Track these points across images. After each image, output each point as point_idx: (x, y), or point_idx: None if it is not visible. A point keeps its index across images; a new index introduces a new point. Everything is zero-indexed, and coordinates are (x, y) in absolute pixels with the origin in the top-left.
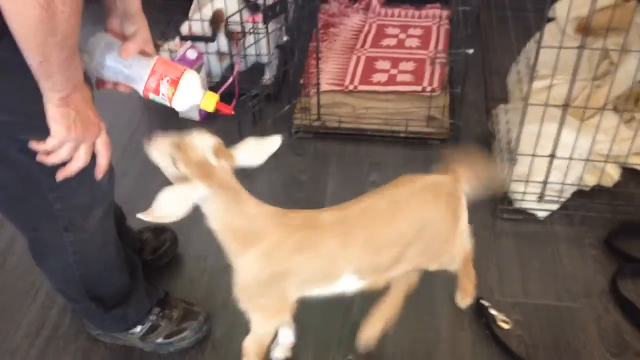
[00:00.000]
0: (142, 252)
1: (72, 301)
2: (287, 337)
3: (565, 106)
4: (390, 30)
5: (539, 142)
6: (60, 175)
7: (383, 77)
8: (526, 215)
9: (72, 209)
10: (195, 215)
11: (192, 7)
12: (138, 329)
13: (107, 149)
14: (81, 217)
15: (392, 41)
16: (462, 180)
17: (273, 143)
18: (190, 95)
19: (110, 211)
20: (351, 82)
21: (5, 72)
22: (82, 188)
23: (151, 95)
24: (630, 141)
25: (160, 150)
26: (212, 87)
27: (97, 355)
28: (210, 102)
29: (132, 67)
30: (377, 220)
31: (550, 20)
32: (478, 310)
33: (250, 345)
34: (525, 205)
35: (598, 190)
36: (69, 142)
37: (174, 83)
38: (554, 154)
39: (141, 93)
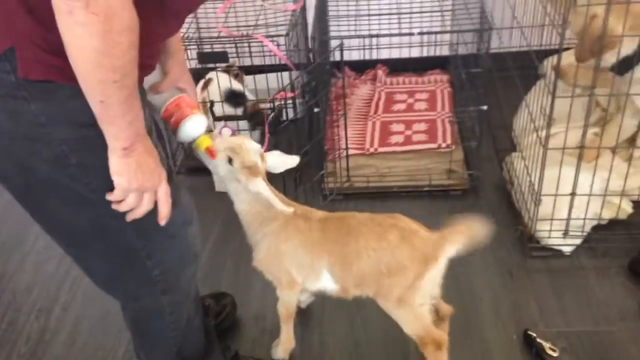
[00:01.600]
0: (206, 317)
1: None
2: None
3: (581, 147)
4: (398, 97)
5: (554, 184)
6: (129, 219)
7: (400, 138)
8: (554, 252)
9: (167, 271)
10: (250, 279)
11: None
12: None
13: (167, 198)
14: (175, 279)
15: (402, 106)
16: (449, 240)
17: (293, 160)
18: (188, 135)
19: (196, 270)
20: (371, 145)
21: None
22: (174, 251)
23: (164, 121)
24: None
25: (220, 150)
26: None
27: None
28: (203, 142)
29: (155, 98)
30: (346, 229)
31: (540, 76)
32: (526, 340)
33: (280, 308)
34: (551, 242)
35: (615, 223)
36: (131, 192)
37: (176, 123)
38: (575, 191)
39: (157, 118)
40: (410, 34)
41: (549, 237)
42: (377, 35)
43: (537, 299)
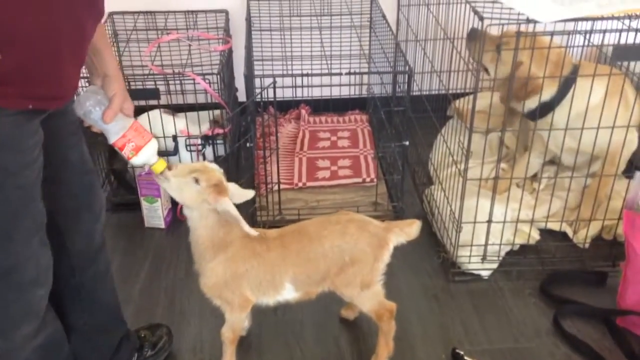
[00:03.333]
0: (142, 349)
1: None
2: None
3: (496, 178)
4: (322, 135)
5: (472, 213)
6: None
7: (326, 173)
8: (474, 276)
9: (1, 320)
10: (185, 312)
11: None
12: None
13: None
14: (9, 329)
15: (326, 143)
16: (393, 230)
17: (249, 193)
18: (145, 159)
19: (38, 329)
20: (299, 180)
21: None
22: (13, 306)
23: (116, 147)
24: (547, 208)
25: (181, 173)
26: None
27: None
28: (159, 167)
29: (109, 125)
30: (307, 238)
31: (449, 117)
32: (454, 359)
33: (226, 332)
34: (471, 267)
35: (525, 249)
36: None
37: (137, 149)
38: (491, 219)
39: (110, 142)
40: (339, 74)
41: (469, 262)
42: (308, 75)
43: (462, 320)
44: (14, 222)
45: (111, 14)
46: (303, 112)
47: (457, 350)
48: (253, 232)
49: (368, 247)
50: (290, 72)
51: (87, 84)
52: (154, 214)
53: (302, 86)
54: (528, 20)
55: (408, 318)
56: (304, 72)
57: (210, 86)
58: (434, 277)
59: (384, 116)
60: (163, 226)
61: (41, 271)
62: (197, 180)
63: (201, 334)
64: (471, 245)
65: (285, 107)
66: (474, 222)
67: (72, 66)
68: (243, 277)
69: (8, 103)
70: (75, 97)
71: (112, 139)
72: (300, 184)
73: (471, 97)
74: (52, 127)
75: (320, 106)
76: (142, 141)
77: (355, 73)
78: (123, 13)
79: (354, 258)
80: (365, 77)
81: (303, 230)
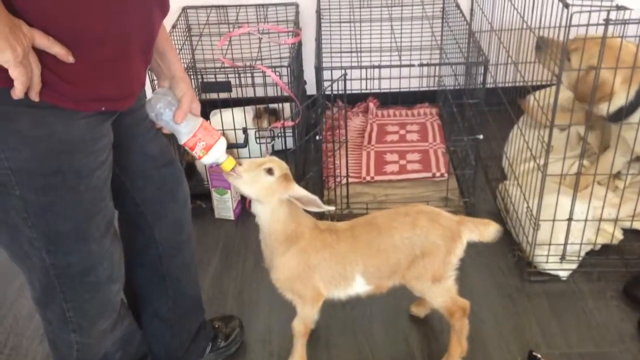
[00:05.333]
0: (216, 339)
1: None
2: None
3: (578, 174)
4: (390, 128)
5: (551, 210)
6: (37, 89)
7: (394, 167)
8: (551, 277)
9: (81, 317)
10: (255, 304)
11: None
12: None
13: (47, 39)
14: (88, 325)
15: (395, 137)
16: (467, 225)
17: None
18: (216, 158)
19: (115, 322)
20: (367, 173)
21: None
22: (92, 302)
23: (186, 148)
24: (633, 207)
25: (251, 167)
26: None
27: None
28: (228, 165)
29: (180, 126)
30: (376, 229)
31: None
32: None
33: (297, 325)
34: (549, 266)
35: (607, 249)
36: (18, 57)
37: (207, 148)
38: (572, 217)
39: (180, 143)
40: (411, 65)
41: (546, 262)
42: (379, 67)
43: (538, 321)
44: (87, 223)
45: (185, 8)
46: (371, 105)
47: (534, 353)
48: (329, 207)
49: (439, 239)
50: (359, 65)
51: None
52: (224, 206)
53: (373, 78)
54: (618, 7)
55: (481, 317)
56: (374, 64)
57: (280, 79)
58: (509, 276)
59: (455, 109)
60: (232, 218)
61: (115, 267)
62: (269, 171)
63: (270, 325)
64: (549, 244)
65: (353, 100)
66: (553, 220)
67: (141, 63)
68: (315, 269)
69: (81, 106)
70: (146, 99)
71: (183, 139)
72: (368, 178)
73: (546, 91)
74: (127, 124)
75: (389, 99)
76: (212, 140)
77: (428, 64)
78: (196, 7)
79: (424, 250)
80: (436, 69)
81: (373, 222)
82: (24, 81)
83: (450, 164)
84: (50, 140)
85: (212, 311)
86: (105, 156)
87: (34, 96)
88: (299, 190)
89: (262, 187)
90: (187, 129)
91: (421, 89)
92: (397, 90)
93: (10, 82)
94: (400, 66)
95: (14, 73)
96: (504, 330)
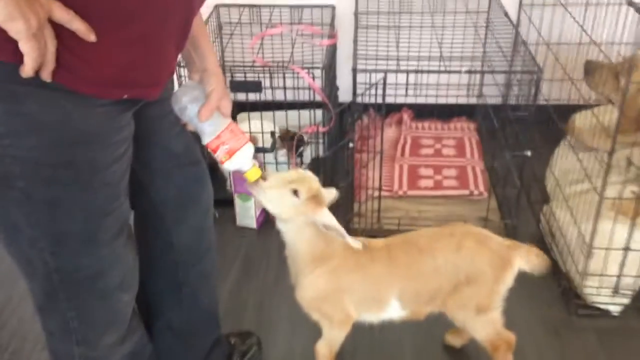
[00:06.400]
0: (231, 356)
1: None
2: None
3: (638, 199)
4: (425, 142)
5: (605, 238)
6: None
7: (429, 182)
8: (601, 312)
9: (87, 327)
10: (275, 319)
11: None
12: None
13: (68, 13)
14: (94, 337)
15: (430, 151)
16: (519, 251)
17: (331, 194)
18: (239, 165)
19: (125, 336)
20: (400, 187)
21: None
22: (99, 311)
23: (209, 149)
24: None
25: (277, 184)
26: None
27: None
28: (253, 175)
29: (205, 124)
30: (416, 250)
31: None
32: None
33: (322, 348)
34: (599, 299)
35: None
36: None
37: (230, 153)
38: (628, 246)
39: (203, 143)
40: (458, 72)
41: (597, 294)
42: (422, 71)
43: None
44: (98, 224)
45: (217, 6)
46: (405, 116)
47: None
48: (357, 244)
49: (488, 265)
50: (398, 69)
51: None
52: (246, 213)
53: (413, 84)
54: None
55: (524, 353)
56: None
57: (313, 81)
58: (554, 308)
59: (497, 124)
60: (255, 226)
61: (127, 274)
62: (295, 192)
63: (292, 345)
64: (601, 275)
65: (387, 110)
66: (607, 249)
67: (173, 48)
68: (345, 292)
69: (101, 91)
70: (172, 90)
71: (206, 140)
72: (400, 192)
73: (591, 112)
74: (151, 116)
75: (424, 112)
76: (237, 144)
77: (476, 72)
78: (229, 6)
79: (470, 277)
80: (477, 80)
81: (412, 241)
82: (36, 58)
83: (489, 182)
84: (63, 127)
85: (229, 325)
86: (124, 150)
87: (46, 76)
88: (327, 217)
89: (286, 207)
90: (211, 128)
91: (458, 103)
92: (433, 103)
93: (19, 58)
94: (446, 72)
95: (25, 47)
96: None
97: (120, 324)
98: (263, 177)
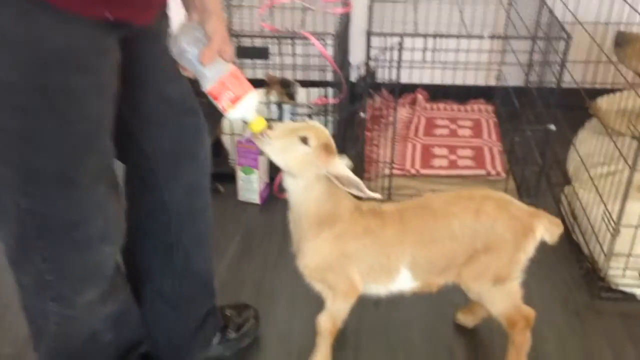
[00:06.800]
0: (225, 329)
1: None
2: None
3: None
4: (439, 122)
5: (632, 217)
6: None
7: (443, 162)
8: (626, 295)
9: (63, 282)
10: (274, 295)
11: None
12: None
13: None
14: (71, 293)
15: (445, 131)
16: (541, 219)
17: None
18: (243, 114)
19: (107, 293)
20: (412, 166)
21: None
22: (77, 264)
23: (210, 97)
24: None
25: (285, 132)
26: None
27: None
28: (257, 126)
29: (206, 68)
30: (431, 214)
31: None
32: None
33: (324, 322)
34: (625, 282)
35: None
36: None
37: (234, 100)
38: None
39: (203, 90)
40: (480, 37)
41: (622, 276)
42: (440, 35)
43: (612, 346)
44: (76, 162)
45: None
46: (420, 97)
47: None
48: (375, 194)
49: (508, 232)
50: (416, 32)
51: None
52: (250, 187)
53: (432, 62)
54: None
55: (543, 334)
56: (428, 47)
57: (325, 48)
58: (575, 291)
59: (517, 103)
60: (258, 201)
61: (111, 226)
62: (305, 140)
63: (291, 320)
64: (628, 255)
65: (400, 91)
66: (636, 227)
67: None
68: (352, 258)
69: (81, 7)
70: (168, 30)
71: (207, 86)
72: (413, 171)
73: (617, 95)
74: (143, 56)
75: (439, 93)
76: (242, 91)
77: (499, 37)
78: None
79: (488, 244)
80: (497, 59)
81: (427, 205)
82: None
83: (507, 164)
84: (37, 46)
85: (225, 300)
86: (107, 81)
87: None
88: (341, 168)
89: (296, 158)
90: (212, 73)
91: (477, 84)
92: (450, 83)
93: None
94: (467, 36)
95: None
96: (571, 353)
97: (101, 280)
98: (269, 127)
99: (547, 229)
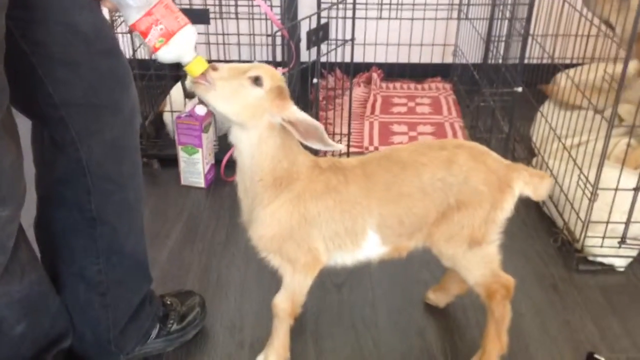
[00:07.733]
0: (166, 319)
1: None
2: None
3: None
4: (397, 100)
5: (609, 183)
6: None
7: (403, 138)
8: (604, 267)
9: None
10: (223, 283)
11: None
12: None
13: None
14: None
15: (403, 109)
16: (520, 173)
17: None
18: (179, 53)
19: (14, 282)
20: (370, 143)
21: None
22: None
23: (138, 33)
24: None
25: (231, 74)
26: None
27: None
28: (197, 68)
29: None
30: (399, 166)
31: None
32: None
33: (282, 302)
34: (603, 252)
35: None
36: None
37: (167, 36)
38: (639, 186)
39: (129, 23)
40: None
41: (600, 246)
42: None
43: (594, 319)
44: None
45: None
46: (374, 75)
47: (596, 356)
48: (338, 145)
49: (484, 185)
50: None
51: None
52: (193, 169)
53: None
54: None
55: (521, 312)
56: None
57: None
58: (551, 264)
59: (477, 75)
60: (203, 185)
61: (3, 181)
62: (257, 80)
63: (242, 309)
64: (607, 222)
65: (354, 71)
66: (616, 189)
67: None
68: (314, 223)
69: None
70: None
71: (133, 18)
72: (371, 148)
73: (578, 69)
74: None
75: (394, 72)
76: (176, 25)
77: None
78: None
79: (462, 199)
80: (452, 40)
81: (393, 157)
82: None
83: (470, 138)
84: None
85: (169, 289)
86: None
87: None
88: (298, 113)
89: (247, 103)
90: (139, 2)
91: (433, 62)
92: (405, 62)
93: None
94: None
95: None
96: (551, 328)
97: None
98: (213, 68)
99: (527, 183)
